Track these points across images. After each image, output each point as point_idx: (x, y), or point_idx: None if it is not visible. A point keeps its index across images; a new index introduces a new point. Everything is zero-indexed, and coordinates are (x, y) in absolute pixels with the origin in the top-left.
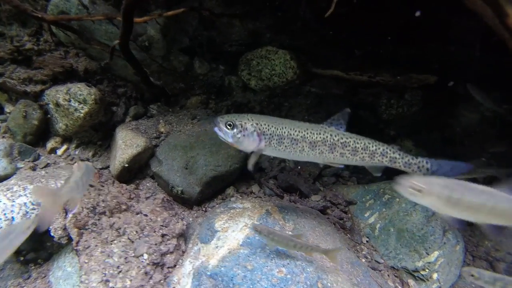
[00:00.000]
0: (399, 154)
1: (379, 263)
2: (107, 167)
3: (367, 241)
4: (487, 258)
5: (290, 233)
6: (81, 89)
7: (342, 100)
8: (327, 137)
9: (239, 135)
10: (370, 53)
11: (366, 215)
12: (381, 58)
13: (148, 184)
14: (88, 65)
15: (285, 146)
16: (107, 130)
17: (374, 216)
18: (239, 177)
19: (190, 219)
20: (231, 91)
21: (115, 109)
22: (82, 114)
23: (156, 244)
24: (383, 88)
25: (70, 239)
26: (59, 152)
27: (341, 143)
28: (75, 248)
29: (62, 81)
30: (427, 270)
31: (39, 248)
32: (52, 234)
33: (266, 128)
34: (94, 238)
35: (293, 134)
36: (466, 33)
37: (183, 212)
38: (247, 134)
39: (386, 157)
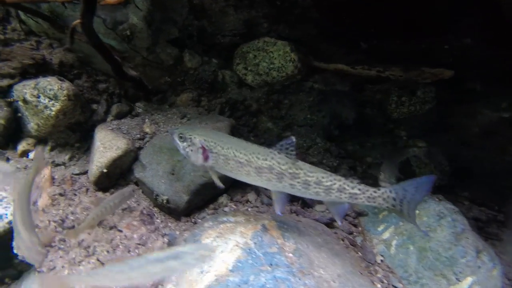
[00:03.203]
0: (360, 189)
1: None
2: (86, 172)
3: (381, 261)
4: None
5: (290, 254)
6: (51, 84)
7: (347, 98)
8: (273, 164)
9: (187, 149)
10: (377, 46)
11: (379, 229)
12: (389, 51)
13: None
14: (64, 58)
15: (231, 167)
16: (86, 131)
17: (389, 230)
18: (233, 183)
19: (177, 232)
20: (225, 87)
21: (96, 107)
22: (53, 112)
23: None
24: (393, 84)
25: None
26: (31, 155)
27: (289, 173)
28: (38, 270)
29: (34, 74)
30: None
31: (6, 266)
32: (15, 251)
33: (212, 146)
34: (61, 257)
35: (238, 157)
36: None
37: (168, 225)
38: (194, 150)
39: (345, 193)
